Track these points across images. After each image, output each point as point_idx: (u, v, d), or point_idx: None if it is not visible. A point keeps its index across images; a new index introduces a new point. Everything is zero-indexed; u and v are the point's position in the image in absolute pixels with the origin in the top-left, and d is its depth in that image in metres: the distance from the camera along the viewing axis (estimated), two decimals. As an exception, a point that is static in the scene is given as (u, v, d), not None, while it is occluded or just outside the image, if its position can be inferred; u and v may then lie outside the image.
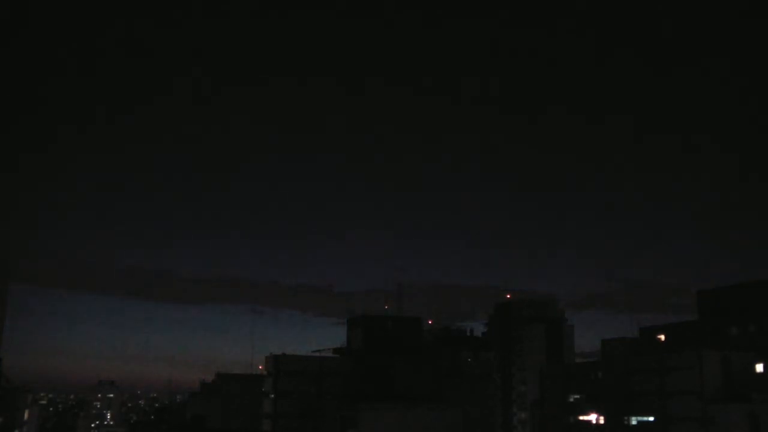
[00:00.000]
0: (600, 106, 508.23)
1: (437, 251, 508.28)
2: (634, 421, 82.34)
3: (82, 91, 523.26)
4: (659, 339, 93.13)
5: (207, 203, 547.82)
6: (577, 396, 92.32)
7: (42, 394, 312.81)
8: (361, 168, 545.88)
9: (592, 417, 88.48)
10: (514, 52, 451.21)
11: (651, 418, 79.99)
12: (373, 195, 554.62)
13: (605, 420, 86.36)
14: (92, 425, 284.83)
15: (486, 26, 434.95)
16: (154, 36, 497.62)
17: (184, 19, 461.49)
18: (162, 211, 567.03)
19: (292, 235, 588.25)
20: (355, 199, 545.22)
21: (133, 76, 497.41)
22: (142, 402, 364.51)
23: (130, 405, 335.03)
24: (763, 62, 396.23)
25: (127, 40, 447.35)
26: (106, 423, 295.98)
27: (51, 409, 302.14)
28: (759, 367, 75.05)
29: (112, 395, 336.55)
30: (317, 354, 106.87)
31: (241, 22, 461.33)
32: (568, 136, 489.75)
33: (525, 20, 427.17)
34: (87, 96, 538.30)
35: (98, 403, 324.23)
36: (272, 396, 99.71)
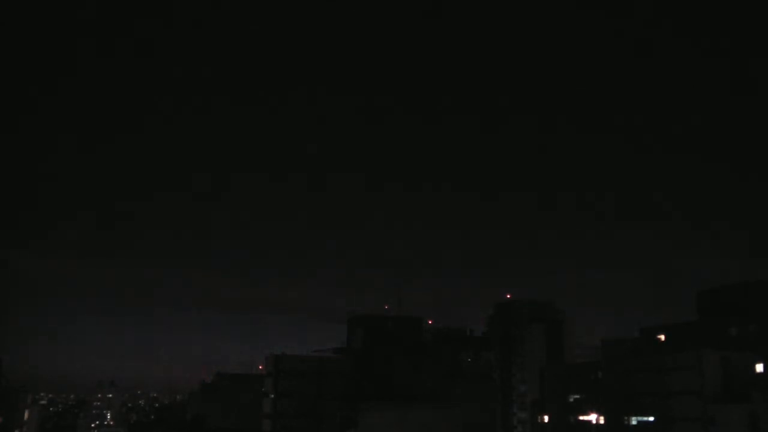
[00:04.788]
0: (594, 113, 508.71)
1: (437, 251, 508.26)
2: (634, 421, 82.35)
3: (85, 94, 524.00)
4: (659, 339, 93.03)
5: (207, 203, 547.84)
6: (577, 396, 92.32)
7: (42, 394, 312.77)
8: (361, 167, 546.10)
9: (592, 417, 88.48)
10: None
11: (651, 418, 80.00)
12: (372, 194, 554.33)
13: (605, 420, 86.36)
14: (92, 425, 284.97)
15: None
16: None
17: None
18: (161, 211, 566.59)
19: (292, 235, 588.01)
20: (354, 199, 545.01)
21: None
22: (142, 402, 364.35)
23: (130, 405, 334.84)
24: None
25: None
26: (106, 423, 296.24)
27: (51, 409, 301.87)
28: (759, 367, 74.99)
29: (111, 395, 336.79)
30: (317, 354, 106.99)
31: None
32: (567, 135, 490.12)
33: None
34: (90, 102, 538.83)
35: (98, 403, 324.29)
36: (272, 396, 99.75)
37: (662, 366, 79.04)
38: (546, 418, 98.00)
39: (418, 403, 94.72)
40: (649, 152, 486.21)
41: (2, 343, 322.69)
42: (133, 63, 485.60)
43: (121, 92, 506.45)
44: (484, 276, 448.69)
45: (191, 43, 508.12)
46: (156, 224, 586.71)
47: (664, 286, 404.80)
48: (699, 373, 74.40)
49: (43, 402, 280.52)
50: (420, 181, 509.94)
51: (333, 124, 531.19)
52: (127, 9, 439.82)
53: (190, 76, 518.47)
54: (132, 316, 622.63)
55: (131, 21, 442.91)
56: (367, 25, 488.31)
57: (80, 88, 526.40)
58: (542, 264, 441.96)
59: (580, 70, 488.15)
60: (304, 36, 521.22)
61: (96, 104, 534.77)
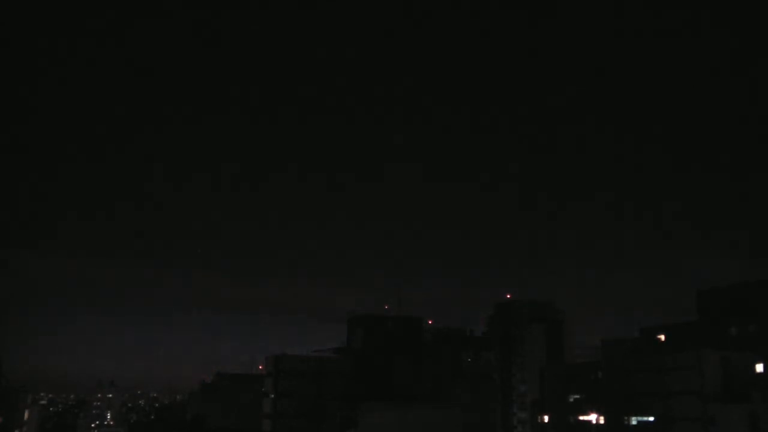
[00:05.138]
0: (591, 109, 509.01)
1: (437, 251, 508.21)
2: (634, 421, 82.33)
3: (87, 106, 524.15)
4: (659, 339, 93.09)
5: (207, 203, 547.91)
6: (577, 396, 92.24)
7: (42, 394, 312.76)
8: (360, 166, 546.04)
9: (592, 417, 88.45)
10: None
11: (651, 418, 79.98)
12: (372, 194, 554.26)
13: (605, 420, 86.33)
14: (92, 425, 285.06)
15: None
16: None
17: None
18: (162, 211, 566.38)
19: (291, 234, 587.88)
20: (354, 198, 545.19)
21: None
22: (142, 402, 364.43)
23: (130, 405, 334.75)
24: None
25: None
26: (106, 423, 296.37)
27: (51, 409, 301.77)
28: (759, 367, 75.01)
29: (111, 395, 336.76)
30: (317, 354, 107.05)
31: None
32: (567, 135, 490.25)
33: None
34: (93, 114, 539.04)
35: (98, 403, 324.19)
36: (272, 396, 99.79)
37: (662, 366, 78.97)
38: (546, 418, 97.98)
39: (418, 403, 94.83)
40: (649, 152, 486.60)
41: (2, 343, 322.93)
42: (135, 63, 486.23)
43: (122, 92, 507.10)
44: (484, 276, 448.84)
45: (192, 43, 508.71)
46: (156, 224, 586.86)
47: (664, 286, 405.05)
48: (699, 373, 74.36)
49: (43, 402, 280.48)
50: (420, 182, 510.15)
51: (333, 124, 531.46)
52: (127, 8, 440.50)
53: (191, 75, 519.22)
54: (132, 316, 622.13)
55: (131, 20, 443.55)
56: (355, 25, 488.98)
57: (81, 88, 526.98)
58: (542, 264, 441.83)
59: (580, 69, 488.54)
60: (304, 36, 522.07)
61: (96, 104, 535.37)
